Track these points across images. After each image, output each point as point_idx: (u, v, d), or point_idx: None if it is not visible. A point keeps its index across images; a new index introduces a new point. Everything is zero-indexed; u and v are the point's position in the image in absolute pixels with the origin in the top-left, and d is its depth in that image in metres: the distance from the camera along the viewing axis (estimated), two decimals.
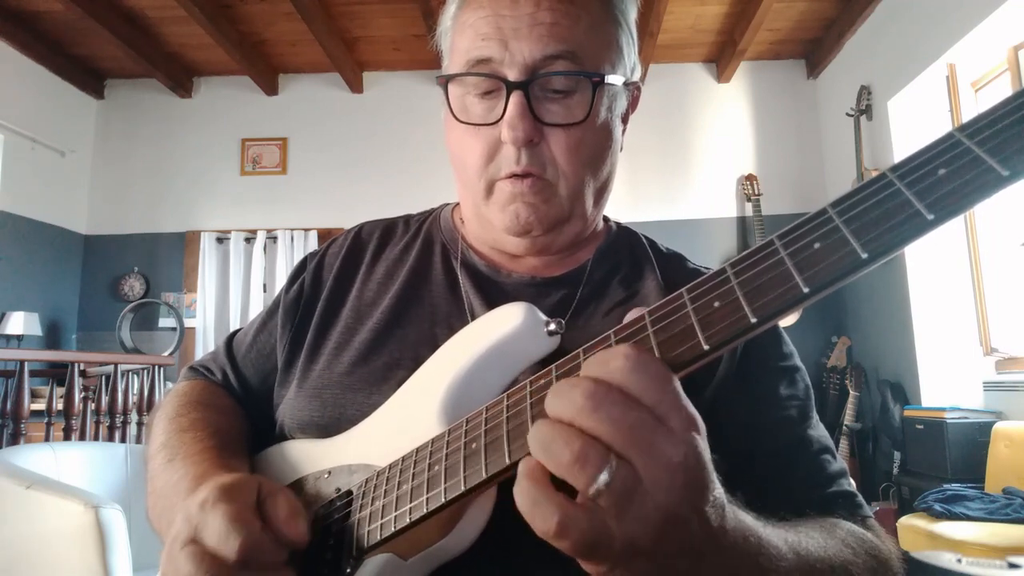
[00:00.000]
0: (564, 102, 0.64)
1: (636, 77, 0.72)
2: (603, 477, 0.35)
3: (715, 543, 0.38)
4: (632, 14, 0.71)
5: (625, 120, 0.73)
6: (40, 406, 3.34)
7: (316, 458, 0.63)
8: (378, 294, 0.74)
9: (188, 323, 4.82)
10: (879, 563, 0.56)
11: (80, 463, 2.14)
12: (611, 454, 0.35)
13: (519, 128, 0.62)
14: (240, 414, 0.75)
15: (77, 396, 2.88)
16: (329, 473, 0.60)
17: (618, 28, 0.68)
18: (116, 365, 3.22)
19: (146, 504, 0.67)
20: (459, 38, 0.67)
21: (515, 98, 0.62)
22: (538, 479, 0.37)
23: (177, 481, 0.61)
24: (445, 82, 0.67)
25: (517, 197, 0.66)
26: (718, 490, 0.38)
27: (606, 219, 0.80)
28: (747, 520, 0.42)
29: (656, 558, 0.37)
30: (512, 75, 0.63)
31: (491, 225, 0.70)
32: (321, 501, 0.59)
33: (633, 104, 0.74)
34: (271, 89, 5.07)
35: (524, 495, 0.37)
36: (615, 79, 0.66)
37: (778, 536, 0.45)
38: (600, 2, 0.66)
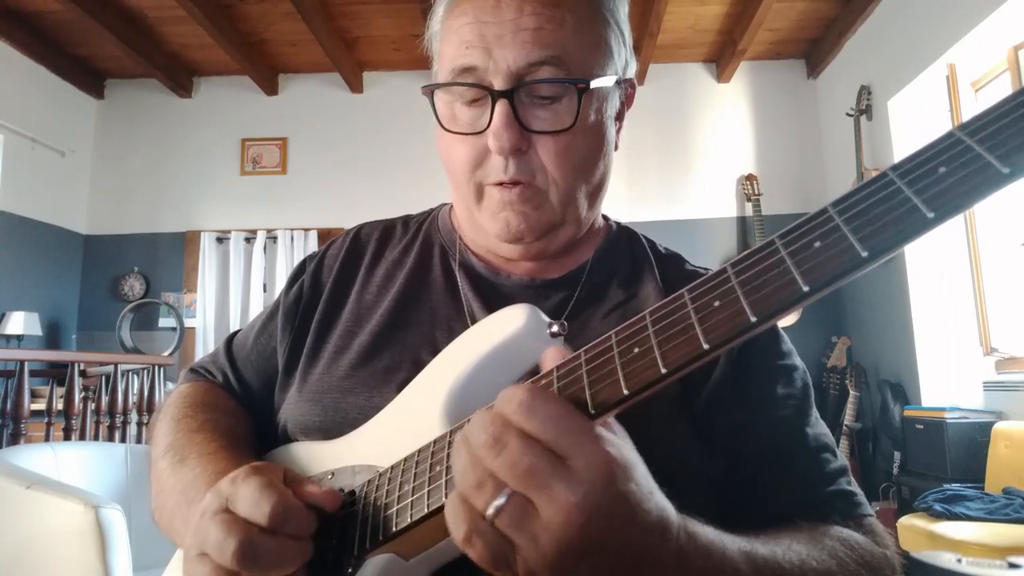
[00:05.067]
0: (551, 108, 0.63)
1: (630, 74, 0.71)
2: (497, 502, 0.39)
3: (653, 565, 0.40)
4: (622, 11, 0.69)
5: (620, 118, 0.72)
6: (40, 406, 3.34)
7: (320, 459, 0.64)
8: (378, 296, 0.73)
9: (188, 323, 4.82)
10: (869, 570, 0.56)
11: (80, 463, 2.14)
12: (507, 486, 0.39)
13: (504, 138, 0.61)
14: (245, 416, 0.75)
15: (77, 396, 2.88)
16: (332, 474, 0.61)
17: (606, 27, 0.66)
18: (116, 365, 3.22)
19: (151, 505, 0.67)
20: (445, 45, 0.67)
21: (500, 107, 0.61)
22: (462, 496, 0.41)
23: (193, 479, 0.61)
24: (431, 92, 0.66)
25: (507, 206, 0.65)
26: (652, 515, 0.40)
27: (606, 218, 0.80)
28: (700, 538, 0.43)
29: None
30: (497, 83, 0.62)
31: (484, 230, 0.69)
32: None
33: (628, 101, 0.73)
34: (271, 89, 5.07)
35: (448, 505, 0.41)
36: (605, 80, 0.65)
37: (742, 552, 0.46)
38: (586, 3, 0.64)
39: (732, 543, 0.46)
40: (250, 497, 0.49)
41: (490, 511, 0.39)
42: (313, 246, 4.78)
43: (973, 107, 3.73)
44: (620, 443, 0.41)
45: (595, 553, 0.38)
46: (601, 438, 0.39)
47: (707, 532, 0.44)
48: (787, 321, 4.33)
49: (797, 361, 0.70)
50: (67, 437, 2.80)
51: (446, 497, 0.47)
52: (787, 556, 0.50)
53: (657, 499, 0.41)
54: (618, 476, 0.39)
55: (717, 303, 0.38)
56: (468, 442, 0.41)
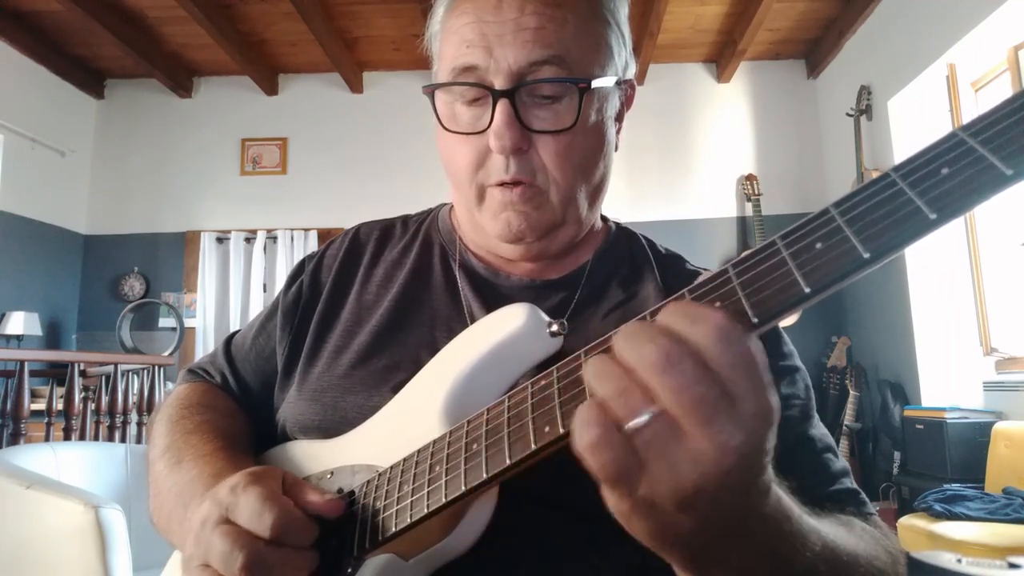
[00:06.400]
0: (552, 108, 0.63)
1: (630, 75, 0.71)
2: (641, 419, 0.35)
3: (747, 522, 0.39)
4: (623, 12, 0.69)
5: (620, 119, 0.72)
6: (40, 406, 3.34)
7: (319, 459, 0.64)
8: (377, 296, 0.73)
9: (188, 323, 4.82)
10: (892, 559, 0.56)
11: (80, 463, 2.14)
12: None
13: (506, 138, 0.61)
14: (243, 416, 0.75)
15: (77, 396, 2.88)
16: (332, 474, 0.60)
17: (607, 27, 0.66)
18: (116, 365, 3.22)
19: (149, 507, 0.67)
20: (445, 45, 0.66)
21: (501, 107, 0.61)
22: (598, 401, 0.37)
23: (190, 481, 0.61)
24: (432, 91, 0.66)
25: (508, 206, 0.65)
26: (768, 473, 0.38)
27: (605, 219, 0.80)
28: (786, 503, 0.42)
29: (679, 521, 0.36)
30: (498, 83, 0.62)
31: (484, 231, 0.69)
32: None
33: (628, 102, 0.73)
34: (271, 89, 5.07)
35: (580, 411, 0.37)
36: (605, 81, 0.65)
37: (810, 525, 0.45)
38: (587, 3, 0.65)
39: (803, 513, 0.45)
40: (251, 508, 0.49)
41: (633, 423, 0.35)
42: (313, 246, 4.78)
43: (973, 107, 3.73)
44: (775, 391, 0.37)
45: (721, 498, 0.36)
46: (771, 387, 0.36)
47: (788, 497, 0.43)
48: (787, 321, 4.32)
49: (798, 362, 0.70)
50: (67, 437, 2.80)
51: (445, 497, 0.47)
52: (837, 535, 0.49)
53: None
54: (772, 429, 0.36)
55: (718, 304, 0.38)
56: (623, 357, 0.36)
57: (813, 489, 0.63)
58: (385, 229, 0.81)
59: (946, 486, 2.96)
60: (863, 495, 0.65)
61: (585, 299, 0.70)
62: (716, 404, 0.34)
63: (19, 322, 4.20)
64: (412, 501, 0.50)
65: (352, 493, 0.57)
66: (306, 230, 4.86)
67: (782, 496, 0.42)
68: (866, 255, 0.34)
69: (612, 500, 0.37)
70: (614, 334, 0.39)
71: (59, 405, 2.92)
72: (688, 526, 0.37)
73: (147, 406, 3.32)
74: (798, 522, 0.43)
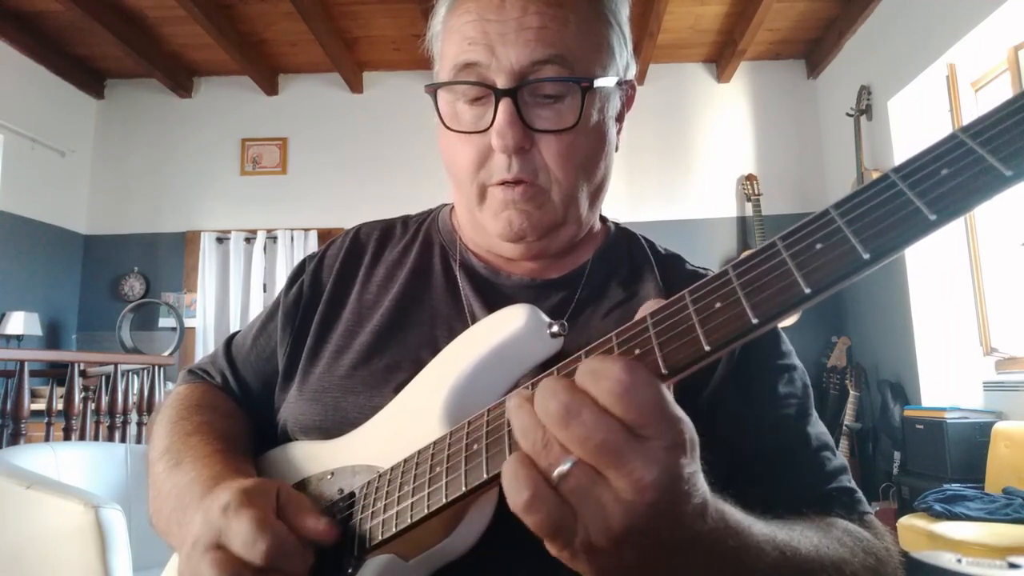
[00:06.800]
0: (554, 107, 0.63)
1: (630, 76, 0.71)
2: (563, 467, 0.37)
3: (689, 545, 0.40)
4: (624, 12, 0.69)
5: (620, 119, 0.72)
6: (40, 406, 3.34)
7: (319, 459, 0.64)
8: (378, 296, 0.73)
9: (188, 323, 4.82)
10: (876, 561, 0.56)
11: (80, 463, 2.14)
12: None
13: (508, 136, 0.61)
14: (243, 417, 0.75)
15: (77, 396, 2.88)
16: (332, 474, 0.61)
17: (608, 28, 0.67)
18: (116, 365, 3.22)
19: (148, 508, 0.67)
20: (447, 44, 0.67)
21: (504, 106, 0.61)
22: (523, 458, 0.39)
23: (189, 483, 0.61)
24: (434, 90, 0.66)
25: (509, 204, 0.65)
26: (698, 497, 0.39)
27: (605, 220, 0.80)
28: (730, 519, 0.43)
29: (620, 557, 0.38)
30: (500, 82, 0.62)
31: (485, 230, 0.69)
32: (324, 502, 0.59)
33: (628, 103, 0.73)
34: (271, 89, 5.07)
35: (507, 467, 0.39)
36: (606, 81, 0.65)
37: (765, 535, 0.46)
38: (589, 3, 0.65)
39: (755, 524, 0.46)
40: (244, 535, 0.48)
41: (557, 473, 0.37)
42: (313, 246, 4.78)
43: (973, 107, 3.73)
44: (688, 420, 0.39)
45: (655, 531, 0.37)
46: (681, 420, 0.37)
47: (734, 512, 0.44)
48: (787, 321, 4.32)
49: (796, 361, 0.71)
50: (67, 437, 2.80)
51: (445, 497, 0.47)
52: (802, 542, 0.50)
53: (701, 477, 0.40)
54: (688, 457, 0.37)
55: (718, 304, 0.38)
56: (533, 406, 0.39)
57: (811, 487, 0.63)
58: (385, 229, 0.81)
59: (946, 486, 2.96)
60: (859, 494, 0.65)
61: (585, 299, 0.70)
62: (622, 447, 0.36)
63: (19, 322, 4.20)
64: (412, 502, 0.50)
65: (353, 494, 0.57)
66: (306, 230, 4.86)
67: (725, 513, 0.43)
68: (866, 256, 0.34)
69: (553, 550, 0.39)
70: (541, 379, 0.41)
71: (59, 405, 2.92)
72: (630, 562, 0.38)
73: (147, 406, 3.32)
74: (747, 535, 0.44)
